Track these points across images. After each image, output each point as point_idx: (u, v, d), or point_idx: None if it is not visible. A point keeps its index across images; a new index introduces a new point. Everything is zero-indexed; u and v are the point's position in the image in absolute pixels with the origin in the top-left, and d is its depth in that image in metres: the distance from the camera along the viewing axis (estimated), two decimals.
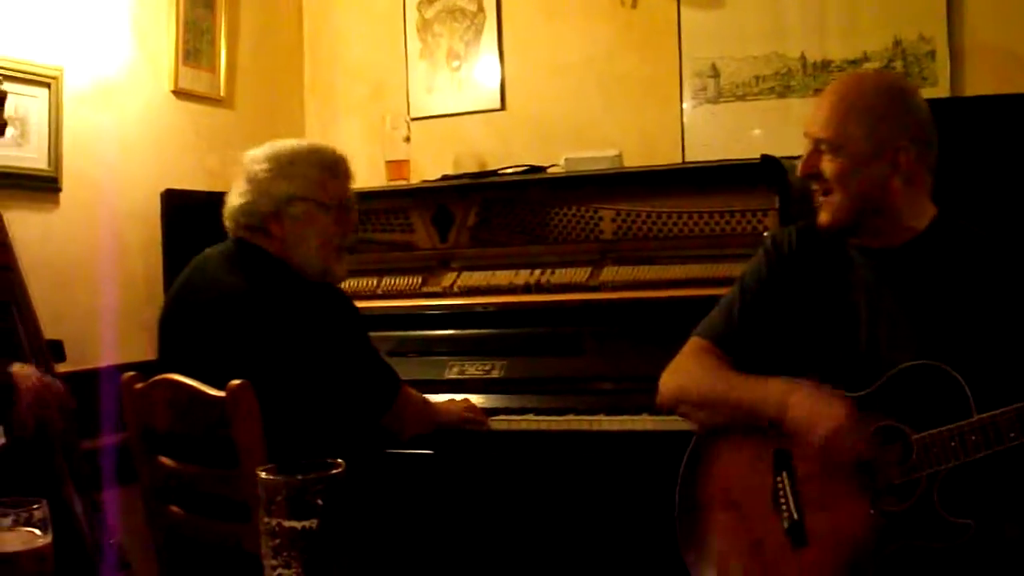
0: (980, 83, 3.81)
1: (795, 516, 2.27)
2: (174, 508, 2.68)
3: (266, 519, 1.25)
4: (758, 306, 2.52)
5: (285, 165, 2.85)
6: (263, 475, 1.26)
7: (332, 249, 2.88)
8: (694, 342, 2.57)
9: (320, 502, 1.25)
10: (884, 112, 2.35)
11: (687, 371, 2.53)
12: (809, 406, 2.27)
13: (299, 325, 2.69)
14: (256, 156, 2.88)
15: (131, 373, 2.73)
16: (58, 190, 3.58)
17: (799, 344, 2.44)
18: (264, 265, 2.80)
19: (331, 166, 2.93)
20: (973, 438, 2.14)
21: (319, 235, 2.85)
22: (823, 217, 2.41)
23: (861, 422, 2.24)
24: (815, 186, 2.41)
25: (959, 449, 2.15)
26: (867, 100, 2.37)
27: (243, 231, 2.85)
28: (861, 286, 2.40)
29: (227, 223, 2.88)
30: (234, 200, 2.86)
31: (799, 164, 2.44)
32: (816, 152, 2.38)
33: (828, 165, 2.36)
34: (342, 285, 2.94)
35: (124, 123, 3.87)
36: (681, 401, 2.54)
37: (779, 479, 2.31)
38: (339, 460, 1.30)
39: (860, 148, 2.33)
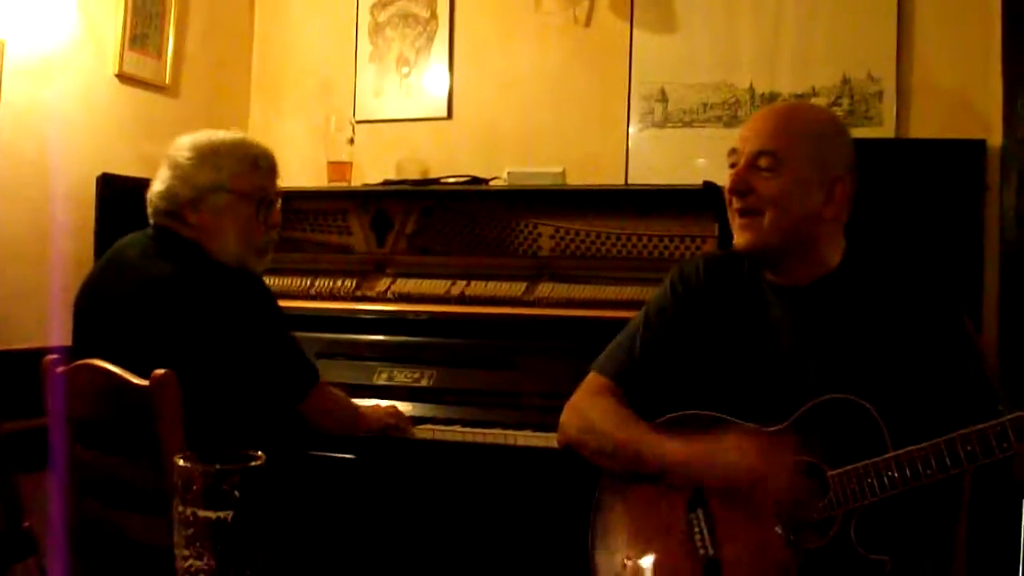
0: (925, 125, 3.84)
1: (711, 553, 2.25)
2: (90, 496, 2.63)
3: (180, 508, 1.23)
4: (661, 340, 2.49)
5: (208, 155, 2.84)
6: (180, 463, 1.24)
7: (250, 242, 2.87)
8: (593, 380, 2.53)
9: (237, 493, 1.22)
10: (828, 139, 2.34)
11: (587, 415, 2.47)
12: (720, 457, 2.25)
13: (220, 311, 2.67)
14: (181, 144, 2.87)
15: (53, 356, 2.68)
16: None
17: (704, 379, 2.41)
18: (183, 252, 2.78)
19: (254, 159, 2.91)
20: (890, 474, 2.14)
21: (237, 227, 2.84)
22: (746, 238, 2.33)
23: (779, 456, 2.23)
24: (738, 204, 2.33)
25: (876, 486, 2.15)
26: (811, 124, 2.35)
27: (161, 217, 2.83)
28: (771, 321, 2.38)
29: (148, 209, 2.86)
30: (155, 186, 2.85)
31: (729, 177, 2.35)
32: (751, 167, 2.31)
33: (765, 183, 2.29)
34: (275, 281, 2.91)
35: (64, 102, 3.80)
36: (583, 446, 2.47)
37: (693, 516, 2.28)
38: (259, 452, 1.27)
39: (803, 170, 2.29)
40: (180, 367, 2.46)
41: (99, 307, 2.78)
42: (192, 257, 2.77)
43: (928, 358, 2.27)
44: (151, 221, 2.86)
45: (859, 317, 2.32)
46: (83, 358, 2.63)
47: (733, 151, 2.36)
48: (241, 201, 2.84)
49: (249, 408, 2.66)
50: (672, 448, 2.29)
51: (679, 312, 2.49)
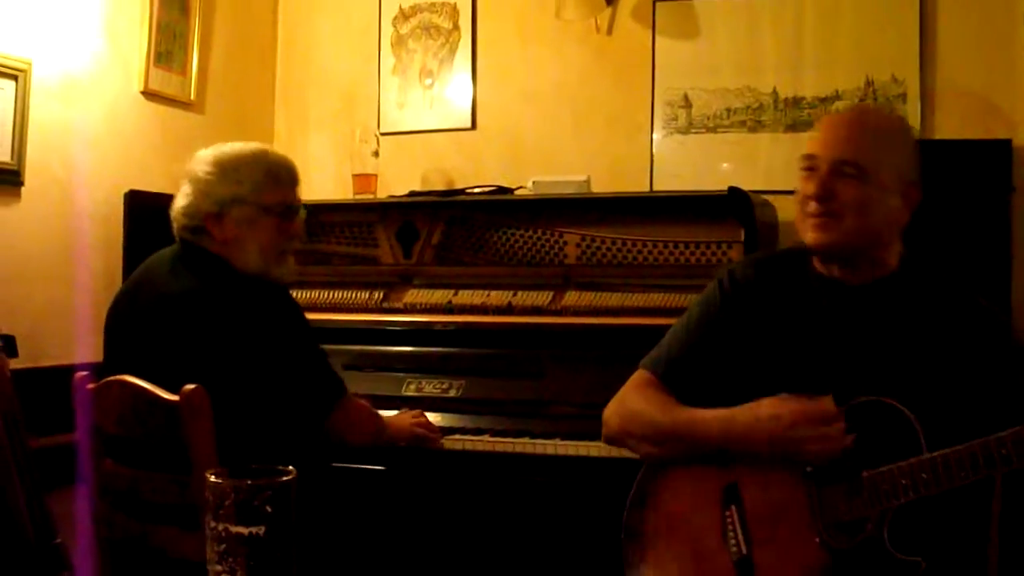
0: (949, 127, 3.83)
1: (743, 551, 2.25)
2: (120, 511, 2.64)
3: (213, 524, 1.23)
4: (708, 339, 2.48)
5: (229, 169, 2.84)
6: (212, 479, 1.24)
7: (273, 253, 2.86)
8: (639, 375, 2.53)
9: (269, 509, 1.22)
10: (904, 146, 2.36)
11: (631, 405, 2.49)
12: (762, 411, 2.26)
13: (247, 324, 2.68)
14: (201, 158, 2.88)
15: (84, 373, 2.70)
16: (20, 184, 3.53)
17: (750, 378, 2.39)
18: (209, 266, 2.79)
19: (275, 171, 2.91)
20: (924, 476, 2.12)
21: (260, 239, 2.84)
22: (823, 236, 2.32)
23: (822, 404, 2.23)
24: (817, 209, 2.31)
25: (909, 487, 2.14)
26: (890, 132, 2.36)
27: (186, 232, 2.84)
28: (823, 319, 2.37)
29: (173, 225, 2.87)
30: (178, 201, 2.85)
31: (808, 184, 2.32)
32: (835, 174, 2.29)
33: (849, 190, 2.27)
34: (302, 294, 2.92)
35: (91, 120, 3.83)
36: (628, 434, 2.48)
37: (728, 513, 2.29)
38: (290, 468, 1.28)
39: (884, 178, 2.29)
40: (208, 381, 2.46)
41: (128, 323, 2.79)
42: (217, 271, 2.77)
43: (975, 365, 2.26)
44: (176, 237, 2.87)
45: (912, 320, 2.31)
46: (113, 374, 2.64)
47: (810, 156, 2.34)
48: (263, 213, 2.84)
49: (277, 421, 2.67)
50: (715, 414, 2.31)
51: (727, 310, 2.47)
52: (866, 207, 2.29)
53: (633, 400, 2.49)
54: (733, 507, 2.28)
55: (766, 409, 2.26)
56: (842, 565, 2.21)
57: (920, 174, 2.37)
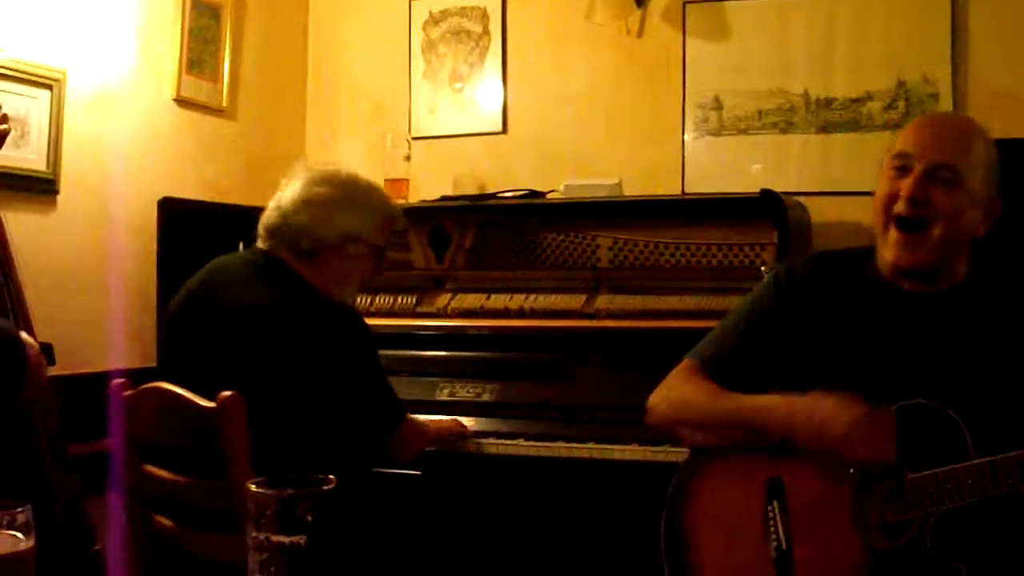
0: (983, 127, 3.80)
1: (784, 546, 2.23)
2: (159, 517, 2.66)
3: (254, 533, 1.24)
4: (759, 333, 2.46)
5: (359, 202, 2.89)
6: (253, 488, 1.25)
7: (359, 287, 2.97)
8: (686, 363, 2.52)
9: (310, 518, 1.23)
10: (995, 159, 2.31)
11: (680, 391, 2.48)
12: (822, 407, 2.22)
13: (328, 341, 2.70)
14: (321, 177, 2.89)
15: (121, 380, 2.72)
16: (55, 193, 3.57)
17: (799, 376, 2.37)
18: (292, 280, 2.79)
19: (394, 216, 3.01)
20: (969, 482, 2.11)
21: (362, 274, 2.93)
22: (909, 256, 2.27)
23: (881, 416, 2.20)
24: (908, 211, 2.24)
25: (954, 492, 2.12)
26: (985, 143, 2.31)
27: (285, 251, 2.83)
28: (877, 323, 2.35)
29: (267, 231, 2.86)
30: (291, 214, 2.83)
31: (898, 183, 2.26)
32: (930, 177, 2.23)
33: (942, 196, 2.22)
34: None
35: (125, 129, 3.85)
36: (677, 420, 2.49)
37: (770, 508, 2.27)
38: (330, 476, 1.28)
39: (977, 188, 2.25)
40: (273, 390, 2.54)
41: (194, 326, 2.79)
42: (297, 286, 2.78)
43: None
44: (264, 246, 2.86)
45: (970, 327, 2.28)
46: (171, 376, 2.65)
47: (903, 155, 2.28)
48: (371, 253, 2.92)
49: (335, 437, 2.68)
50: (772, 401, 2.29)
51: (782, 306, 2.45)
52: (957, 217, 2.25)
53: (682, 386, 2.48)
54: (775, 502, 2.26)
55: (826, 408, 2.22)
56: (882, 566, 2.19)
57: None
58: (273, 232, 2.85)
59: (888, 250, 2.30)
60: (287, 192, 2.87)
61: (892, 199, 2.28)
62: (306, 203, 2.84)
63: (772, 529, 2.25)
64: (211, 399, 2.46)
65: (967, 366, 2.25)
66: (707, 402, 2.42)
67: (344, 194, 2.87)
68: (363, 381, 2.78)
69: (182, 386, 2.57)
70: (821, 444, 2.22)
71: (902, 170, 2.27)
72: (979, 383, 2.23)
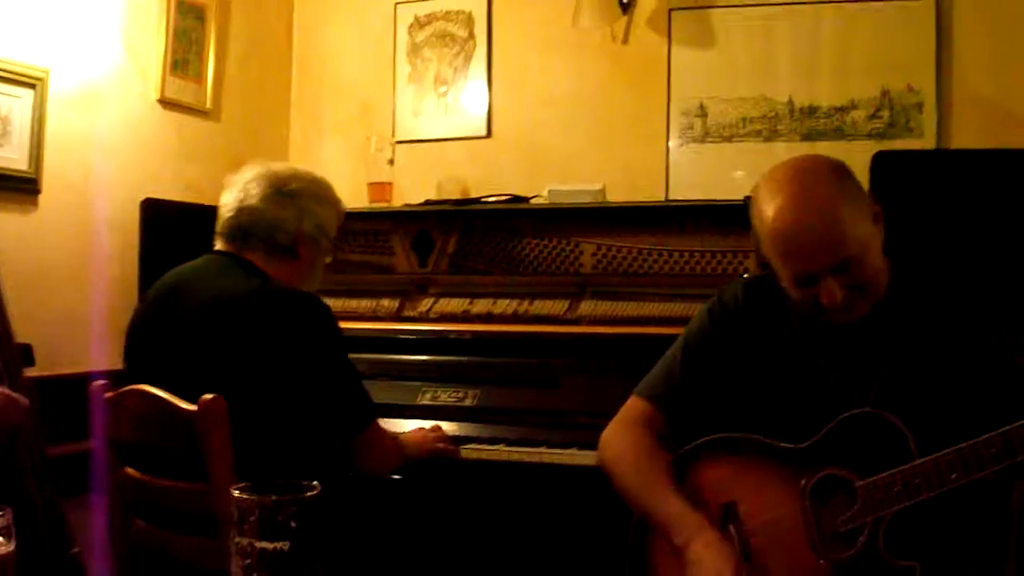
0: (967, 136, 3.83)
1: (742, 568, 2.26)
2: (139, 520, 2.64)
3: (237, 538, 1.23)
4: (700, 364, 2.49)
5: (326, 197, 2.93)
6: (237, 494, 1.24)
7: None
8: (632, 405, 2.54)
9: (294, 524, 1.22)
10: (854, 186, 2.30)
11: (621, 451, 2.49)
12: (701, 562, 2.23)
13: (296, 330, 2.67)
14: (286, 173, 2.90)
15: (101, 381, 2.70)
16: (37, 192, 3.55)
17: (743, 400, 2.42)
18: (259, 275, 2.77)
19: (343, 216, 3.02)
20: (916, 481, 2.14)
21: (320, 270, 2.96)
22: (854, 317, 2.30)
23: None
24: (844, 312, 2.27)
25: (903, 493, 2.15)
26: (842, 195, 2.25)
27: (257, 249, 2.81)
28: (813, 342, 2.38)
29: (233, 231, 2.83)
30: (263, 208, 2.82)
31: (813, 293, 2.25)
32: (836, 275, 2.22)
33: (860, 275, 2.24)
34: None
35: (108, 129, 3.84)
36: (611, 474, 2.50)
37: (726, 532, 2.29)
38: (314, 482, 1.28)
39: (867, 231, 2.25)
40: (244, 385, 2.52)
41: (163, 328, 2.75)
42: (265, 279, 2.76)
43: (966, 375, 2.28)
44: (229, 248, 2.84)
45: (901, 337, 2.32)
46: (138, 379, 2.64)
47: (803, 275, 2.25)
48: (330, 251, 2.98)
49: (304, 434, 2.66)
50: (695, 549, 2.26)
51: (718, 335, 2.49)
52: (876, 269, 2.28)
53: (627, 443, 2.50)
54: (731, 525, 2.29)
55: (698, 550, 2.23)
56: (841, 575, 2.22)
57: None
58: (244, 230, 2.81)
59: (833, 320, 2.31)
60: (250, 190, 2.83)
61: (809, 305, 2.29)
62: (279, 196, 2.83)
63: None
64: (184, 397, 2.46)
65: (900, 373, 2.29)
66: (634, 481, 2.43)
67: (312, 187, 2.89)
68: (333, 374, 2.74)
69: (156, 387, 2.56)
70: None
71: (809, 284, 2.26)
72: (914, 388, 2.27)
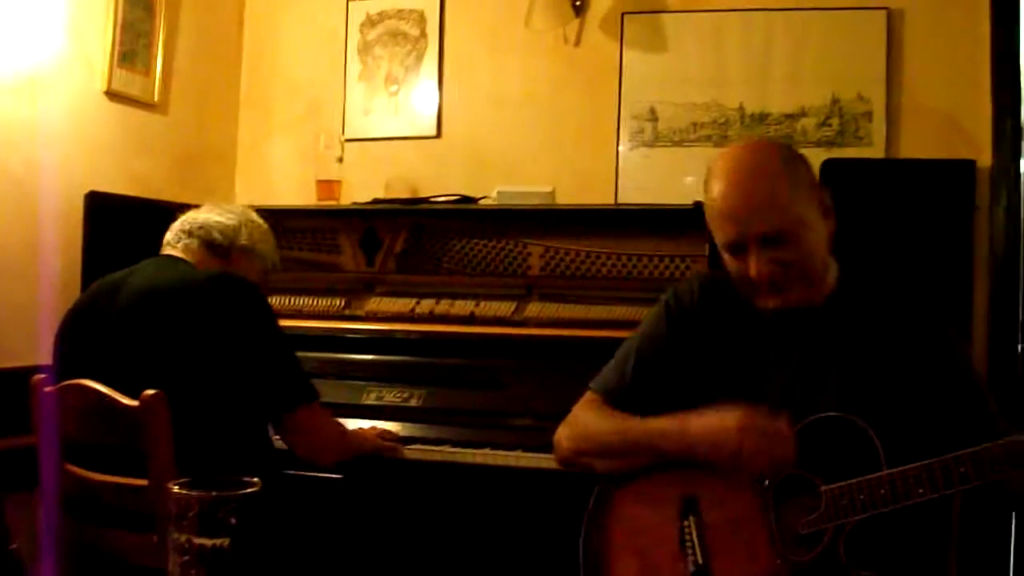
0: (915, 146, 3.85)
1: (700, 562, 2.25)
2: (79, 516, 2.61)
3: (176, 534, 1.22)
4: (654, 361, 2.50)
5: (269, 238, 3.08)
6: (176, 489, 1.22)
7: None
8: (588, 397, 2.56)
9: (233, 520, 1.21)
10: (797, 168, 2.32)
11: (583, 424, 2.51)
12: (713, 424, 2.26)
13: (225, 311, 2.68)
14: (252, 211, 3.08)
15: (41, 375, 2.67)
16: None
17: (699, 396, 2.40)
18: (193, 267, 2.85)
19: (272, 269, 3.12)
20: (882, 492, 2.14)
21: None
22: (786, 301, 2.31)
23: (774, 421, 2.23)
24: (769, 285, 2.29)
25: (867, 502, 2.16)
26: (781, 171, 2.28)
27: (195, 247, 2.91)
28: (769, 341, 2.38)
29: (178, 232, 2.94)
30: (212, 217, 2.97)
31: (743, 264, 2.29)
32: (767, 247, 2.26)
33: (791, 252, 2.26)
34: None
35: (52, 119, 3.77)
36: (581, 452, 2.50)
37: (686, 524, 2.29)
38: (255, 479, 1.26)
39: (809, 214, 2.28)
40: (179, 371, 2.53)
41: (95, 321, 2.75)
42: (197, 270, 2.83)
43: (922, 375, 2.29)
44: (170, 246, 2.92)
45: (855, 336, 2.33)
46: (71, 375, 2.61)
47: (733, 243, 2.30)
48: (261, 269, 3.05)
49: (242, 420, 2.66)
50: (669, 423, 2.32)
51: (672, 333, 2.49)
52: (810, 254, 2.30)
53: (584, 419, 2.52)
54: (692, 518, 2.29)
55: (719, 420, 2.26)
56: None
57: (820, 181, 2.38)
58: (188, 231, 2.93)
59: (765, 302, 2.34)
60: (203, 211, 3.01)
61: (744, 278, 2.32)
62: (230, 211, 3.01)
63: (688, 546, 2.27)
64: (119, 390, 2.46)
65: (860, 375, 2.30)
66: (607, 431, 2.45)
67: (262, 224, 3.06)
68: (265, 350, 2.75)
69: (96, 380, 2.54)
70: (720, 458, 2.24)
71: (738, 252, 2.30)
72: (875, 391, 2.28)
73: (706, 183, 2.37)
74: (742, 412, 2.25)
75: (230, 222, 2.96)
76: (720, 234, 2.33)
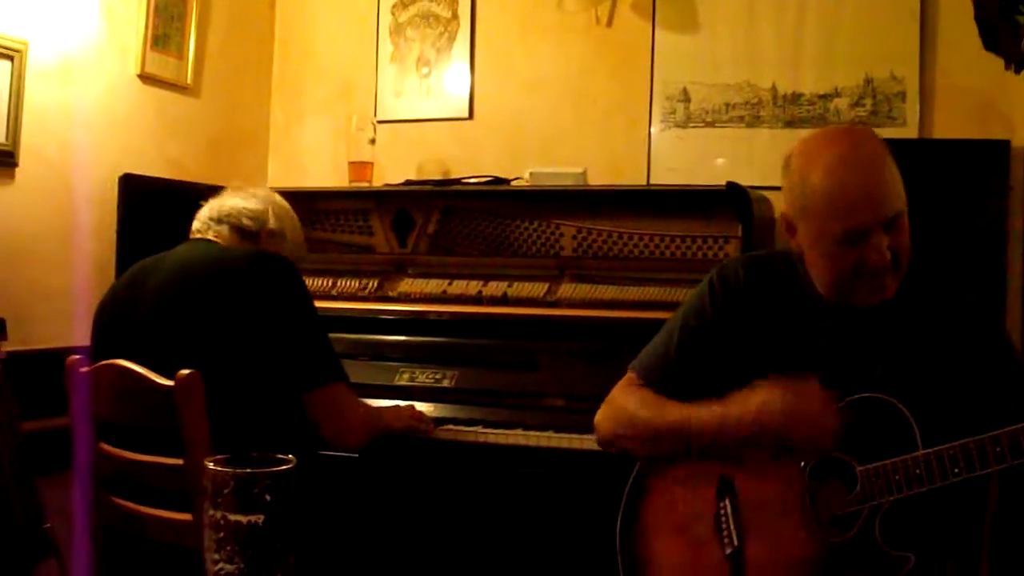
0: (949, 126, 3.83)
1: (735, 543, 2.24)
2: (115, 496, 2.63)
3: (211, 512, 1.22)
4: (698, 342, 2.47)
5: (296, 225, 3.09)
6: (211, 466, 1.23)
7: None
8: (628, 379, 2.54)
9: (268, 497, 1.21)
10: (888, 150, 2.29)
11: (623, 407, 2.49)
12: (752, 404, 2.26)
13: (258, 288, 2.71)
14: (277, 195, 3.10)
15: (76, 356, 2.68)
16: (14, 165, 3.51)
17: (741, 382, 2.38)
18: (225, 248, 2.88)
19: (303, 246, 3.15)
20: (917, 472, 2.13)
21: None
22: (884, 295, 2.28)
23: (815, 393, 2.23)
24: (887, 272, 2.25)
25: (902, 483, 2.15)
26: (881, 148, 2.26)
27: (226, 232, 2.92)
28: (815, 322, 2.37)
29: (207, 220, 2.95)
30: (239, 202, 2.97)
31: (877, 256, 2.20)
32: (887, 232, 2.21)
33: (904, 236, 2.23)
34: None
35: (87, 103, 3.80)
36: (622, 436, 2.49)
37: (722, 505, 2.28)
38: (289, 456, 1.27)
39: (905, 201, 2.26)
40: (213, 349, 2.57)
41: (130, 304, 2.77)
42: (230, 248, 2.88)
43: (968, 363, 2.27)
44: (200, 232, 2.94)
45: (906, 321, 2.31)
46: (106, 357, 2.63)
47: (853, 232, 2.21)
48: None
49: (275, 396, 2.68)
50: (709, 411, 2.31)
51: (717, 315, 2.45)
52: (908, 243, 2.26)
53: (624, 402, 2.50)
54: (727, 499, 2.27)
55: (757, 397, 2.26)
56: (834, 559, 2.22)
57: None
58: (218, 218, 2.95)
59: (861, 298, 2.30)
60: (230, 196, 3.02)
61: (848, 273, 2.27)
62: (254, 197, 3.01)
63: (724, 527, 2.26)
64: (155, 370, 2.47)
65: (904, 358, 2.29)
66: (649, 418, 2.43)
67: (288, 210, 3.07)
68: (294, 326, 2.76)
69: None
70: (762, 435, 2.24)
71: (854, 243, 2.23)
72: (919, 374, 2.26)
73: (799, 174, 2.30)
74: (786, 393, 2.24)
75: (258, 207, 2.97)
76: (836, 225, 2.23)
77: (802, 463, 2.25)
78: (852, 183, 2.21)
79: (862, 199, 2.21)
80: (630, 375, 2.54)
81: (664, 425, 2.40)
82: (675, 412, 2.39)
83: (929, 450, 2.13)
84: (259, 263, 2.76)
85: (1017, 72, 2.94)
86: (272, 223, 2.96)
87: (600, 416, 2.53)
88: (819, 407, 2.22)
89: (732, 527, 2.24)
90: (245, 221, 2.93)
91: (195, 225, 2.95)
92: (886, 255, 2.21)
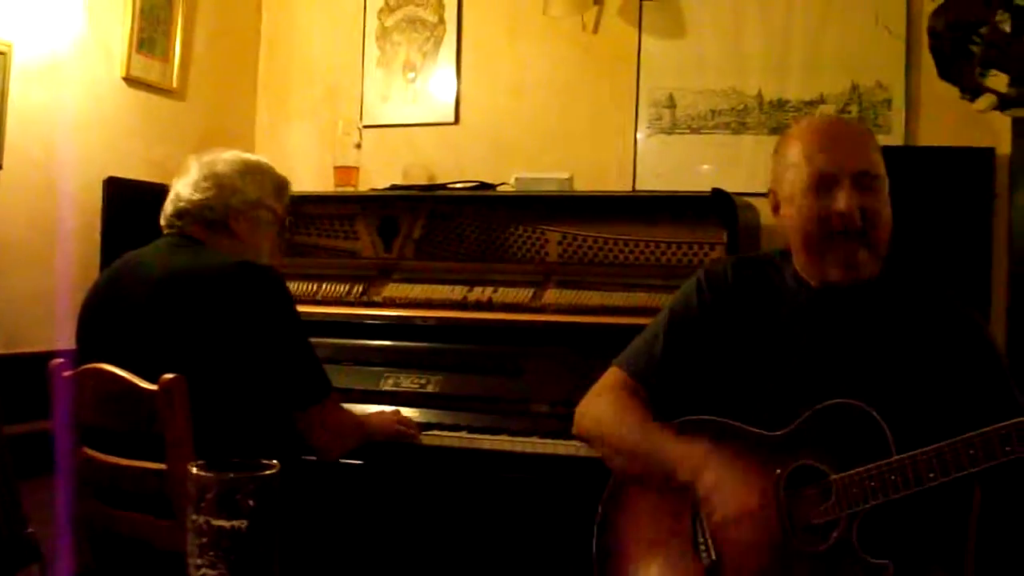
0: (934, 133, 3.84)
1: (713, 557, 2.24)
2: (98, 501, 2.62)
3: (194, 516, 1.21)
4: (684, 340, 2.46)
5: (253, 171, 2.92)
6: (194, 471, 1.22)
7: (272, 259, 2.96)
8: (613, 374, 2.52)
9: (252, 502, 1.21)
10: (876, 144, 2.36)
11: (605, 409, 2.47)
12: (721, 483, 2.22)
13: (247, 303, 2.67)
14: (221, 159, 2.92)
15: (59, 360, 2.67)
16: None
17: (725, 381, 2.39)
18: (207, 249, 2.81)
19: (284, 186, 3.02)
20: (892, 478, 2.12)
21: (269, 243, 2.97)
22: (863, 271, 2.29)
23: (767, 508, 2.21)
24: (857, 223, 2.25)
25: (878, 489, 2.14)
26: (869, 131, 2.39)
27: (195, 227, 2.84)
28: (798, 324, 2.37)
29: (171, 217, 2.87)
30: (190, 195, 2.85)
31: (843, 205, 2.24)
32: (857, 188, 2.25)
33: (877, 200, 2.26)
34: None
35: (71, 105, 3.79)
36: (595, 439, 2.49)
37: (698, 519, 2.28)
38: (273, 461, 1.26)
39: (887, 183, 2.31)
40: (198, 359, 2.52)
41: (114, 306, 2.75)
42: (213, 252, 2.79)
43: (950, 367, 2.27)
44: (173, 228, 2.86)
45: (888, 323, 2.32)
46: (92, 360, 2.61)
47: (825, 175, 2.26)
48: (275, 221, 2.98)
49: (259, 409, 2.66)
50: (711, 473, 2.25)
51: (704, 312, 2.46)
52: (886, 207, 2.29)
53: (607, 404, 2.48)
54: (704, 513, 2.27)
55: (711, 478, 2.22)
56: (813, 569, 2.20)
57: None
58: (178, 215, 2.86)
59: (835, 271, 2.31)
60: (181, 182, 2.90)
61: (825, 218, 2.28)
62: (203, 180, 2.87)
63: (701, 541, 2.26)
64: (139, 375, 2.46)
65: (884, 362, 2.28)
66: (622, 432, 2.41)
67: (235, 166, 2.91)
68: (284, 344, 2.73)
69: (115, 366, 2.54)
70: (712, 516, 2.23)
71: (825, 190, 2.27)
72: (897, 379, 2.26)
73: (786, 140, 2.40)
74: (720, 459, 2.23)
75: (209, 193, 2.85)
76: (808, 168, 2.29)
77: (777, 471, 2.24)
78: (829, 130, 2.36)
79: (834, 142, 2.30)
80: (615, 372, 2.52)
81: (634, 445, 2.38)
82: (649, 437, 2.36)
83: (903, 456, 2.12)
84: (246, 275, 2.70)
85: (972, 101, 2.98)
86: (234, 200, 2.86)
87: (581, 410, 2.53)
88: (755, 507, 2.21)
89: (709, 541, 2.24)
90: (206, 213, 2.84)
91: (163, 222, 2.89)
92: (855, 212, 2.24)
